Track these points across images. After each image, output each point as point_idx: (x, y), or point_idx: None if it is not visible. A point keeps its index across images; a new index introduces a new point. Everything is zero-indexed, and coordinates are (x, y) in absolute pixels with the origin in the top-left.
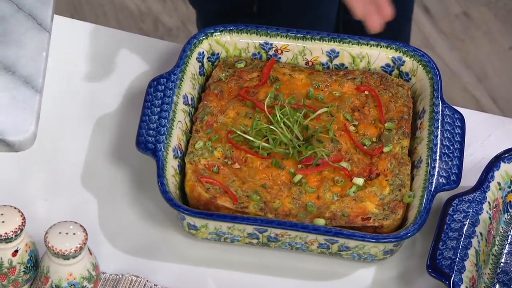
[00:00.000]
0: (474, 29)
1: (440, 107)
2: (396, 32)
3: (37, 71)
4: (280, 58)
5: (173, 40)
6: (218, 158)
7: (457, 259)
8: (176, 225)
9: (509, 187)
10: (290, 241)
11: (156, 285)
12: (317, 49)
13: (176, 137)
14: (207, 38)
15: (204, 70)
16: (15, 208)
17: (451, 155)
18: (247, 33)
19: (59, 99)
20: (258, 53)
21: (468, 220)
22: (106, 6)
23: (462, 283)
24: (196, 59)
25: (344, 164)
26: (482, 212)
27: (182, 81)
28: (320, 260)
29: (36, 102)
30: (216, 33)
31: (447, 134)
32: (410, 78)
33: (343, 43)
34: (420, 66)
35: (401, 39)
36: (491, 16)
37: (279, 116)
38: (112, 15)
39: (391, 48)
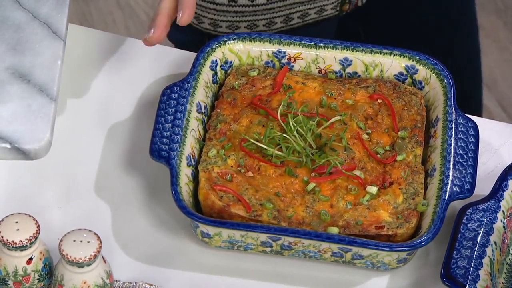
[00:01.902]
0: (483, 37)
1: (454, 116)
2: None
3: (52, 79)
4: (293, 66)
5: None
6: (232, 166)
7: (471, 268)
8: (190, 233)
9: None
10: (304, 249)
11: None
12: (330, 58)
13: (190, 145)
14: (220, 47)
15: (217, 78)
16: (29, 216)
17: (465, 163)
18: (260, 41)
19: (72, 107)
20: (271, 61)
21: (482, 229)
22: (115, 13)
23: None
24: (209, 67)
25: (357, 172)
26: (496, 221)
27: (196, 89)
28: (334, 269)
29: (51, 111)
30: (229, 41)
31: (460, 143)
32: (424, 87)
33: (356, 52)
34: (434, 74)
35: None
36: (500, 24)
37: (292, 124)
38: (121, 22)
39: (404, 57)
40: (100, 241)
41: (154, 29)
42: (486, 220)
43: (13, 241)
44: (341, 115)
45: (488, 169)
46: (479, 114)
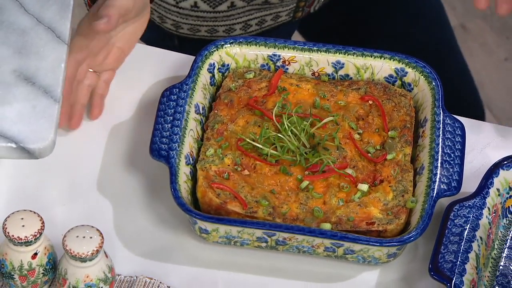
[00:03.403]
0: (471, 41)
1: (441, 116)
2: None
3: (56, 81)
4: (287, 69)
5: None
6: (228, 165)
7: (458, 262)
8: (188, 229)
9: (508, 193)
10: (298, 244)
11: (169, 287)
12: (323, 61)
13: (188, 144)
14: (217, 50)
15: (215, 81)
16: (34, 212)
17: (452, 162)
18: (256, 45)
19: None
20: (267, 64)
21: (468, 225)
22: None
23: (463, 286)
24: (207, 70)
25: (349, 171)
26: (482, 217)
27: (194, 91)
28: (326, 263)
29: (55, 111)
30: (226, 45)
31: (448, 142)
32: (412, 88)
33: (348, 55)
34: (422, 77)
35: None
36: (487, 28)
37: (287, 124)
38: None
39: (394, 60)
40: (102, 237)
41: (108, 19)
42: (472, 216)
43: (18, 237)
44: (333, 116)
45: (474, 168)
46: (481, 114)
